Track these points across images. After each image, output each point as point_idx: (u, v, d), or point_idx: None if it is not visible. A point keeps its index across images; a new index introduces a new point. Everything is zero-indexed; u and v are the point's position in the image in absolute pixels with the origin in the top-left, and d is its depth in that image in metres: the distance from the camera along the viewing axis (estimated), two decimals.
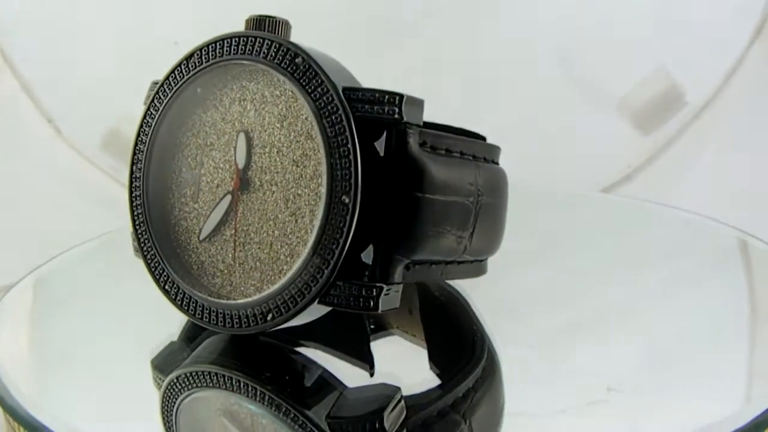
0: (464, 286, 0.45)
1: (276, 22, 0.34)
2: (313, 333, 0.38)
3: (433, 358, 0.38)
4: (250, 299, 0.33)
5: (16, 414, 0.33)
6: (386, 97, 0.31)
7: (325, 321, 0.34)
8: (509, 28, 0.81)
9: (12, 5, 0.80)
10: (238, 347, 0.37)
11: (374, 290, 0.31)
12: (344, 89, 0.32)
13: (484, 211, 0.36)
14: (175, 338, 0.39)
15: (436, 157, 0.33)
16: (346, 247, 0.31)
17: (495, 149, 0.41)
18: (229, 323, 0.34)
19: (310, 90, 0.32)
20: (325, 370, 0.36)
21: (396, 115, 0.31)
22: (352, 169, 0.31)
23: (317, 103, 0.32)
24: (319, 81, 0.32)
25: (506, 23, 0.81)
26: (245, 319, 0.33)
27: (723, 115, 0.81)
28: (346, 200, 0.31)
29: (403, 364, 0.38)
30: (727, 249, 0.52)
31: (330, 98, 0.32)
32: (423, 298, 0.44)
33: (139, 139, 0.36)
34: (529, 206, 0.62)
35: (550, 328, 0.41)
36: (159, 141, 0.36)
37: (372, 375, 0.36)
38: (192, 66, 0.35)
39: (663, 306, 0.44)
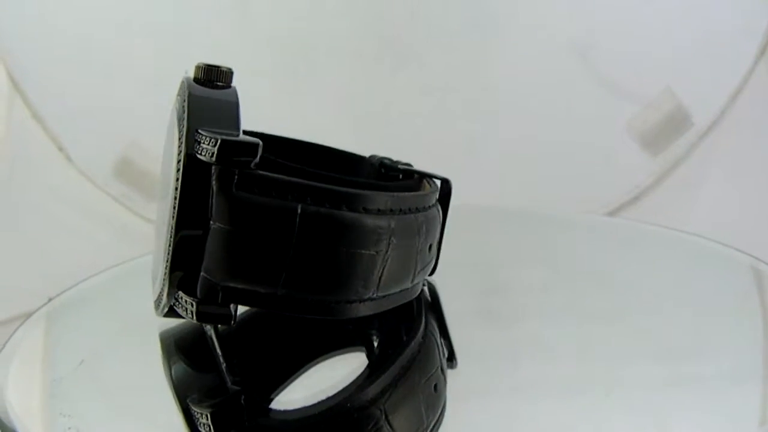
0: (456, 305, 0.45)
1: (218, 70, 0.38)
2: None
3: None
4: (156, 291, 0.38)
5: None
6: (209, 140, 0.35)
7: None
8: (516, 49, 0.82)
9: (22, 34, 0.81)
10: (193, 332, 0.43)
11: (192, 305, 0.35)
12: (197, 132, 0.36)
13: (306, 253, 0.36)
14: None
15: (258, 198, 0.35)
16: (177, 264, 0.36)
17: (363, 197, 0.38)
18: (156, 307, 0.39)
19: (179, 129, 0.37)
20: (221, 368, 0.39)
21: (213, 158, 0.34)
22: (177, 201, 0.35)
23: (178, 141, 0.36)
24: (184, 123, 0.36)
25: (513, 44, 0.82)
26: (155, 305, 0.39)
27: (730, 136, 0.81)
28: (172, 226, 0.36)
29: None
30: (738, 274, 0.52)
31: (182, 139, 0.36)
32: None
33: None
34: (535, 230, 0.63)
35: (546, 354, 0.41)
36: (166, 154, 0.42)
37: None
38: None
39: (671, 331, 0.44)
